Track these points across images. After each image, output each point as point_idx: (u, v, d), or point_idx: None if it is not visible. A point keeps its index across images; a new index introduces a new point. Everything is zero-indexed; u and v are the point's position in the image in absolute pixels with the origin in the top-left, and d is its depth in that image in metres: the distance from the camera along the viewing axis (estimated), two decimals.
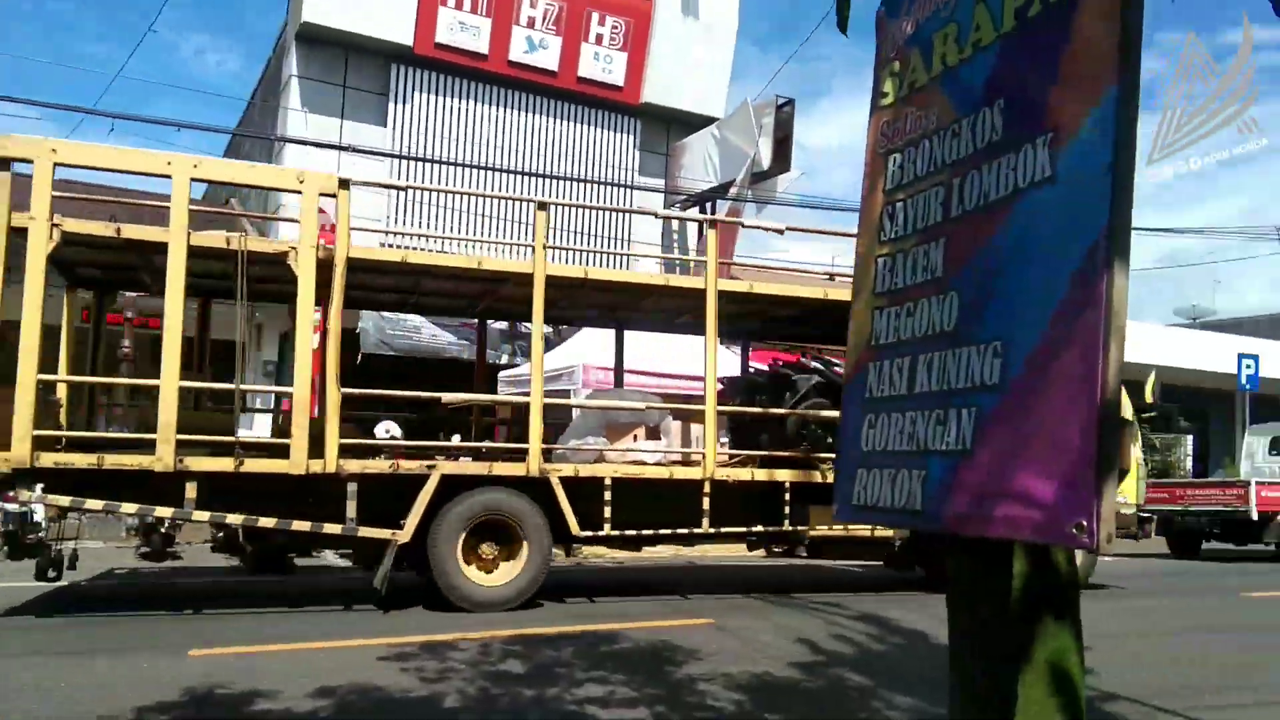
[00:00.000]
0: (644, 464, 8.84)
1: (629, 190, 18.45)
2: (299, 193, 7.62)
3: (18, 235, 6.94)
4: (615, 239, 18.79)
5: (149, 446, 7.06)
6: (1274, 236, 21.76)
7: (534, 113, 18.07)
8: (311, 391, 7.67)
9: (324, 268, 7.54)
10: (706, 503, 8.56)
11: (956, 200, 2.04)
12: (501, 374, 14.59)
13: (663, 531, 8.82)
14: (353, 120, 16.84)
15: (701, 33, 19.08)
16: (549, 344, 16.00)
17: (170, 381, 7.07)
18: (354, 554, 9.19)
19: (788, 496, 8.88)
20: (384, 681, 5.30)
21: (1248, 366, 19.93)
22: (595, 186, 18.19)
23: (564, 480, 8.14)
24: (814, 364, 10.43)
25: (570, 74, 17.86)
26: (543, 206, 8.38)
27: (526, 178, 17.35)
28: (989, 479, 1.78)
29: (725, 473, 8.75)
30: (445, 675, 5.47)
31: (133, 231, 7.54)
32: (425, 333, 15.31)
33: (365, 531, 7.54)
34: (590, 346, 13.60)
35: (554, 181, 17.83)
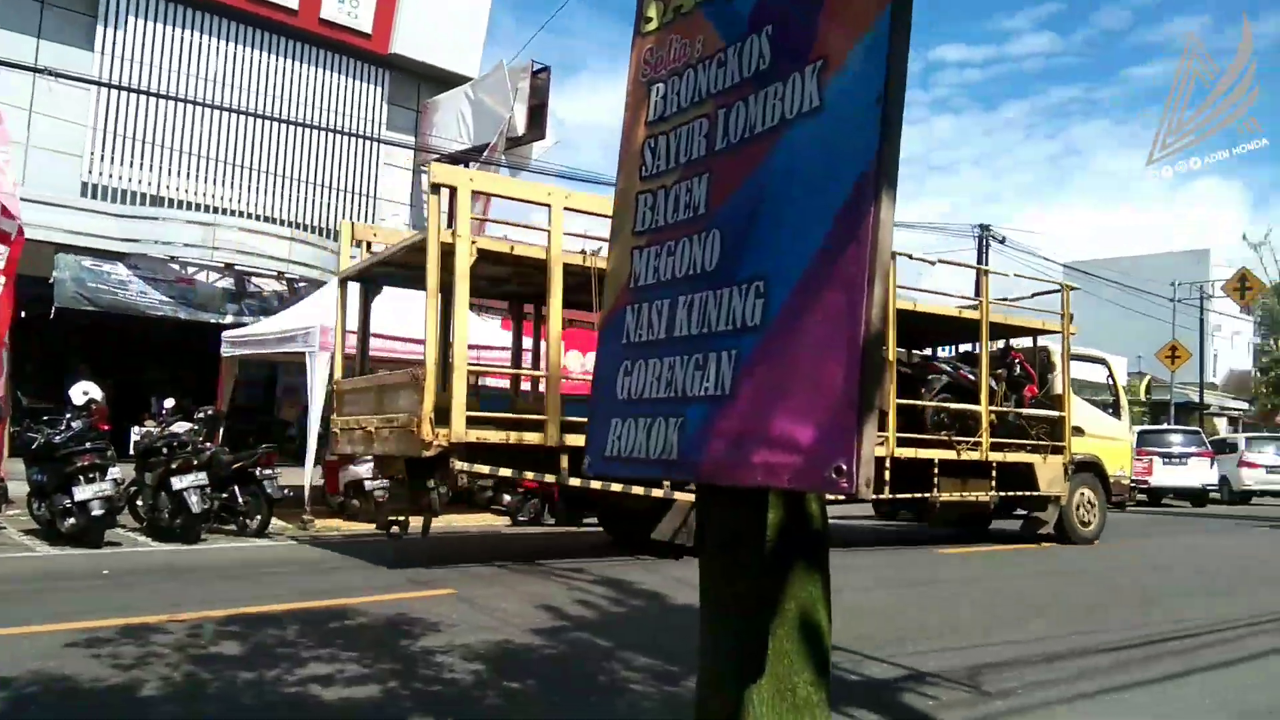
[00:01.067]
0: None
1: (376, 144, 17.53)
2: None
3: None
4: (361, 193, 17.84)
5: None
6: (969, 234, 24.28)
7: (271, 52, 16.68)
8: None
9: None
10: (888, 473, 10.35)
11: (721, 133, 1.93)
12: (226, 334, 13.41)
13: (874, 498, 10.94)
14: (53, 41, 14.74)
15: None
16: (282, 302, 14.94)
17: (555, 374, 8.70)
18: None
19: (936, 470, 10.87)
20: (72, 670, 4.64)
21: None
22: (336, 137, 17.12)
23: None
24: (944, 366, 12.17)
25: (312, 15, 16.63)
26: None
27: (258, 120, 15.99)
28: (748, 424, 1.69)
29: (909, 452, 10.68)
30: (146, 660, 4.88)
31: (522, 250, 9.18)
32: (134, 288, 13.77)
33: (683, 496, 9.08)
34: (330, 308, 12.75)
35: (291, 129, 16.60)
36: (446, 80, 18.45)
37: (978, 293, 11.50)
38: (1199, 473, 22.34)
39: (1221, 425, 37.30)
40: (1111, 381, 14.54)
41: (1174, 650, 6.30)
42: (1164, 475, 22.12)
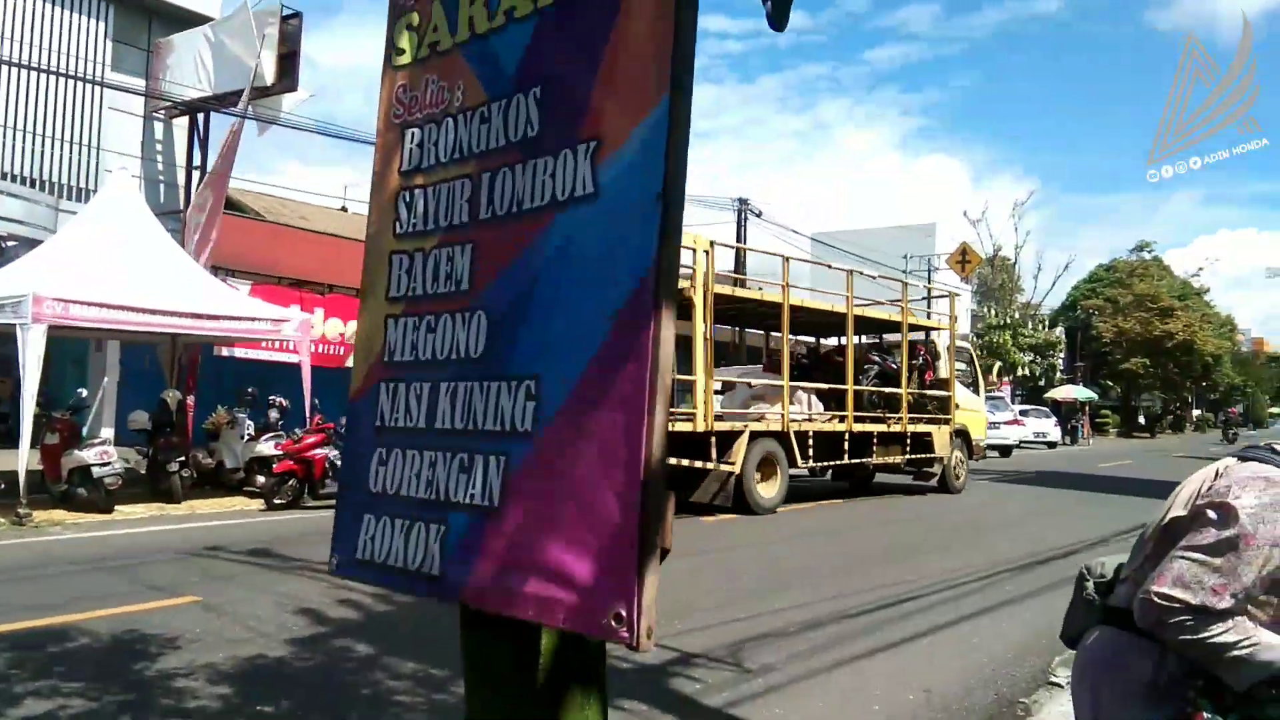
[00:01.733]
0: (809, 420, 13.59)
1: (98, 87, 15.61)
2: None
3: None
4: (82, 143, 15.89)
5: None
6: (729, 207, 25.08)
7: None
8: None
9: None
10: (846, 444, 13.64)
11: (486, 200, 1.71)
12: None
13: (834, 463, 13.75)
14: None
15: None
16: None
17: (704, 378, 11.63)
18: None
19: (876, 441, 14.19)
20: None
21: None
22: (51, 77, 15.11)
23: (795, 433, 12.76)
24: (875, 357, 15.25)
25: None
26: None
27: None
28: (518, 545, 1.52)
29: (860, 426, 13.84)
30: None
31: (721, 288, 12.33)
32: None
33: (724, 466, 11.67)
34: (47, 274, 11.21)
35: None
36: (183, 19, 16.71)
37: (737, 268, 12.41)
38: None
39: None
40: (973, 365, 18.41)
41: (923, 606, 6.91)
42: None
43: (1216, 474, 2.10)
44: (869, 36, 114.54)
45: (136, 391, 14.68)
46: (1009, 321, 43.71)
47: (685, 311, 11.59)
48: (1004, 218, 60.82)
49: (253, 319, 12.65)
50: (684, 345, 11.68)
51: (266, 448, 12.96)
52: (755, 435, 12.31)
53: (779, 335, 17.87)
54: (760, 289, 14.02)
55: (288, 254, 17.61)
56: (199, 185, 16.36)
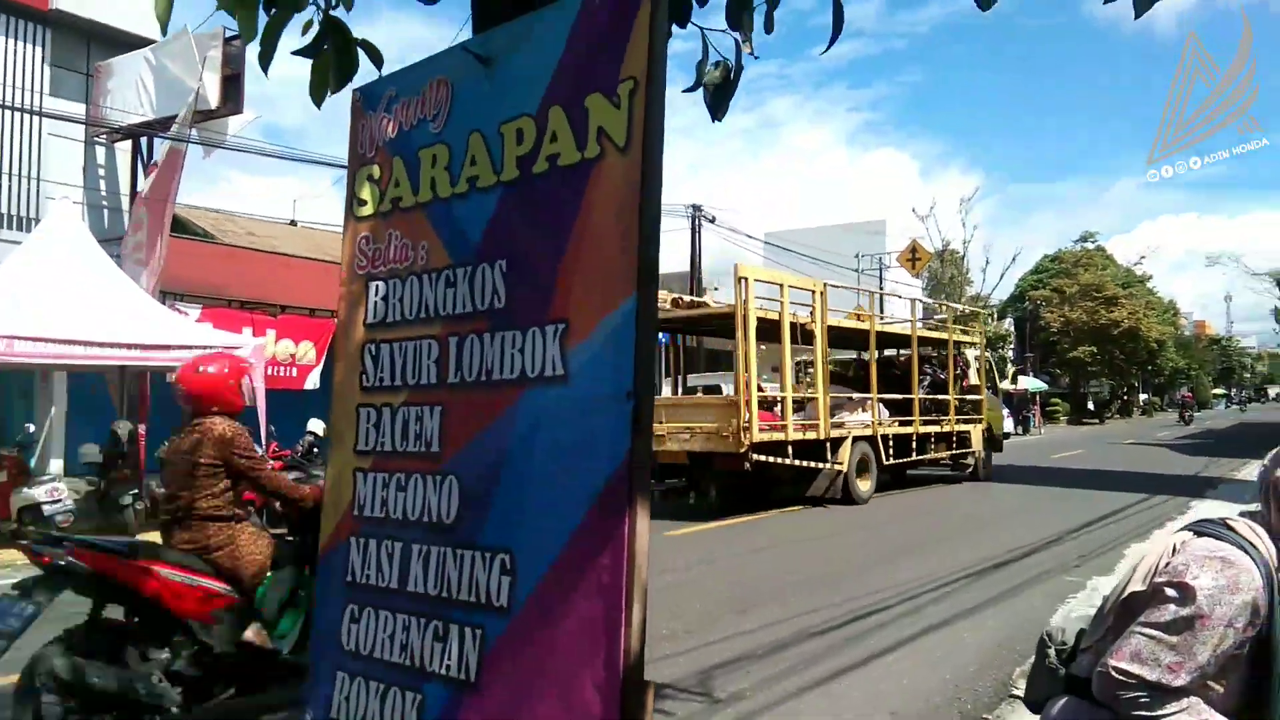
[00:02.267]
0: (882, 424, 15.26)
1: (36, 117, 15.23)
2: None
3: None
4: (22, 175, 15.48)
5: None
6: (684, 214, 25.08)
7: None
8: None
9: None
10: (914, 442, 15.72)
11: (454, 365, 1.71)
12: None
13: (906, 459, 15.62)
14: None
15: None
16: None
17: (824, 395, 13.24)
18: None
19: (933, 440, 16.40)
20: None
21: None
22: None
23: (881, 436, 14.64)
24: (926, 368, 17.45)
25: None
26: None
27: None
28: None
29: (923, 429, 16.03)
30: None
31: (831, 320, 14.18)
32: None
33: (836, 466, 13.29)
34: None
35: None
36: (122, 42, 16.33)
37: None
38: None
39: None
40: (993, 371, 20.92)
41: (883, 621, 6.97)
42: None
43: (1174, 549, 2.14)
44: (815, 33, 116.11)
45: (85, 421, 14.33)
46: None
47: (809, 338, 13.72)
48: (952, 212, 62.11)
49: (204, 348, 12.41)
50: (802, 368, 13.90)
51: None
52: (855, 439, 14.45)
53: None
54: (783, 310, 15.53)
55: (237, 275, 17.30)
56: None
